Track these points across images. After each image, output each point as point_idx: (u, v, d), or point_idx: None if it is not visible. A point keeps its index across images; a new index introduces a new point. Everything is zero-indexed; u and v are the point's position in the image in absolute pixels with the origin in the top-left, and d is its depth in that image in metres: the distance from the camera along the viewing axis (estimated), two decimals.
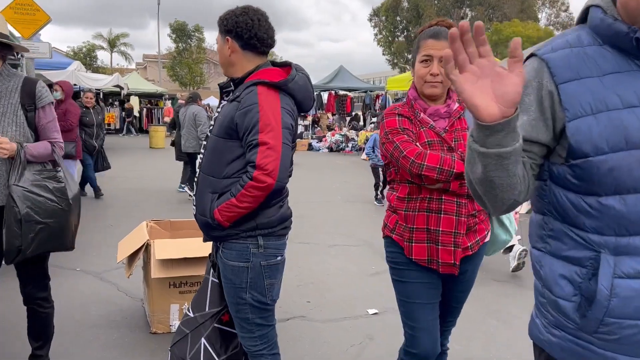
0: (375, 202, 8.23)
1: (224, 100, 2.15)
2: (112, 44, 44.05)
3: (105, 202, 7.92)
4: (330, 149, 17.66)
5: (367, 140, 16.69)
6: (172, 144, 9.25)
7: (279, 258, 2.11)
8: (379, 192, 8.28)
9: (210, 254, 2.30)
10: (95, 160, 8.09)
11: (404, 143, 2.02)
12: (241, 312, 2.10)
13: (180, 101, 9.87)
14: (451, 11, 39.37)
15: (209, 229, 2.06)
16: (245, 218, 1.99)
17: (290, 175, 2.10)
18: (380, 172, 8.00)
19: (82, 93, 8.33)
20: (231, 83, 2.13)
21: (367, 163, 14.69)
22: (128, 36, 48.45)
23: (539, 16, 41.83)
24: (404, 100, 2.22)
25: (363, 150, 16.51)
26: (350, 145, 17.59)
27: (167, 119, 22.54)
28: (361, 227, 6.70)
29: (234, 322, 2.17)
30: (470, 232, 2.08)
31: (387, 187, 7.74)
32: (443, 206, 2.02)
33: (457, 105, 2.14)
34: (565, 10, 41.06)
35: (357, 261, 5.23)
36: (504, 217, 2.26)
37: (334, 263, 5.14)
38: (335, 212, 7.65)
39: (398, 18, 42.76)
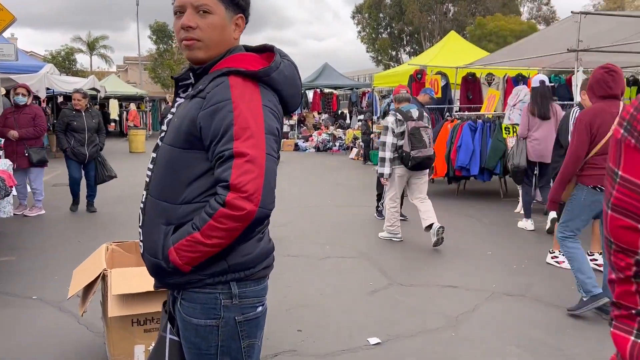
0: (375, 215, 7.12)
1: (180, 97, 1.60)
2: (92, 46, 43.07)
3: (76, 214, 7.28)
4: (317, 149, 17.16)
5: (354, 138, 16.33)
6: None
7: (259, 309, 1.56)
8: (380, 204, 7.04)
9: (164, 302, 1.74)
10: (95, 171, 7.23)
11: None
12: None
13: (170, 104, 9.20)
14: (434, 7, 39.01)
15: (162, 274, 1.50)
16: (213, 258, 1.44)
17: None
18: None
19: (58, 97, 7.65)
20: (190, 74, 1.57)
21: (357, 163, 14.24)
22: (108, 38, 47.26)
23: (521, 10, 41.69)
24: None
25: (351, 150, 16.06)
26: (337, 144, 17.09)
27: (131, 123, 21.79)
28: (356, 235, 6.16)
29: None
30: None
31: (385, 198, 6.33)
32: None
33: None
34: (547, 4, 40.95)
35: (353, 277, 4.68)
36: None
37: (327, 280, 4.59)
38: (326, 218, 7.10)
39: (381, 15, 42.28)
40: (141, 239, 1.55)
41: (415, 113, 5.66)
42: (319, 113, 20.86)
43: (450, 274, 4.74)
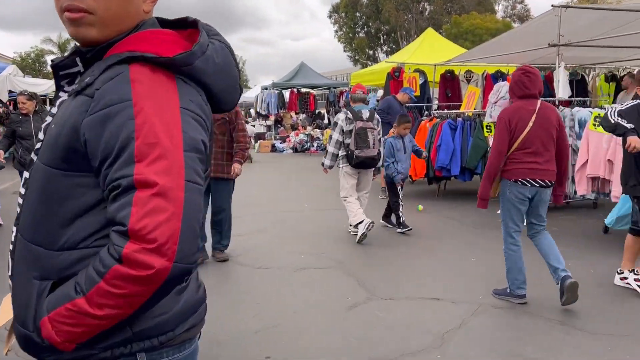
0: (397, 229, 6.18)
1: (64, 93, 1.13)
2: (63, 48, 42.04)
3: None
4: (295, 150, 16.76)
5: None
6: None
7: None
8: (400, 213, 6.16)
9: None
10: None
11: None
12: None
13: None
14: (410, 5, 38.99)
15: (35, 349, 1.06)
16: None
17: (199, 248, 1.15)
18: (399, 187, 6.18)
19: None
20: (77, 59, 1.11)
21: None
22: None
23: (496, 8, 41.98)
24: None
25: None
26: (315, 144, 16.73)
27: None
28: (333, 243, 5.79)
29: None
30: None
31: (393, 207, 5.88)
32: None
33: None
34: (521, 2, 41.30)
35: (330, 290, 4.32)
36: None
37: (301, 294, 4.21)
38: (302, 224, 6.72)
39: (358, 14, 42.14)
40: (12, 293, 1.14)
41: (365, 114, 5.76)
42: (296, 113, 20.47)
43: (433, 284, 4.41)
